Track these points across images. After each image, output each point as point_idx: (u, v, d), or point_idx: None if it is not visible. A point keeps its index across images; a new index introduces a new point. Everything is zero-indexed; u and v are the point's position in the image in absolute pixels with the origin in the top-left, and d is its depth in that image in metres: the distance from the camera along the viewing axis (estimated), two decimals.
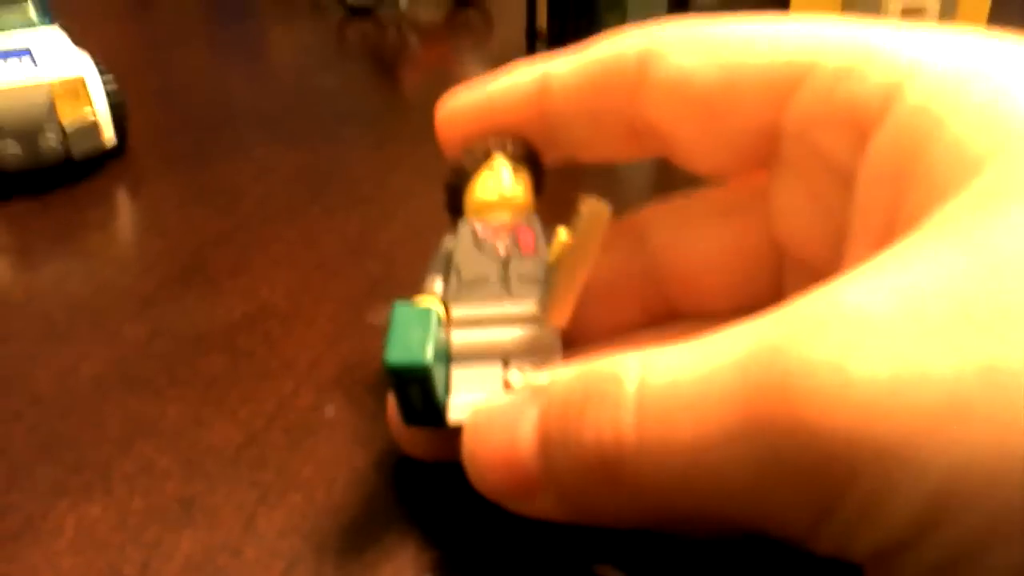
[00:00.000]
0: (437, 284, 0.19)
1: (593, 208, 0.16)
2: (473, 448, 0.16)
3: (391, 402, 0.18)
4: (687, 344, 0.14)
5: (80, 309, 0.26)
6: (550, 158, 0.20)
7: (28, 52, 0.35)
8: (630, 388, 0.14)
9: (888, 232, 0.14)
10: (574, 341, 0.19)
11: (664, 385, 0.13)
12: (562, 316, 0.18)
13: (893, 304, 0.12)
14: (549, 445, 0.15)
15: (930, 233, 0.13)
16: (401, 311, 0.17)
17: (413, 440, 0.19)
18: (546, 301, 0.18)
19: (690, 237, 0.20)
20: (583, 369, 0.15)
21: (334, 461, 0.20)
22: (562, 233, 0.17)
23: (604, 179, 0.32)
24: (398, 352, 0.16)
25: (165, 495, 0.19)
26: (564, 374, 0.15)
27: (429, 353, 0.16)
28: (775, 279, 0.19)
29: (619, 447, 0.13)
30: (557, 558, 0.17)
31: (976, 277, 0.11)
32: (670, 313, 0.20)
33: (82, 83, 0.34)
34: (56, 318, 0.26)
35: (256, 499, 0.19)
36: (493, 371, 0.18)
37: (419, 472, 0.19)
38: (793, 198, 0.18)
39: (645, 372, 0.14)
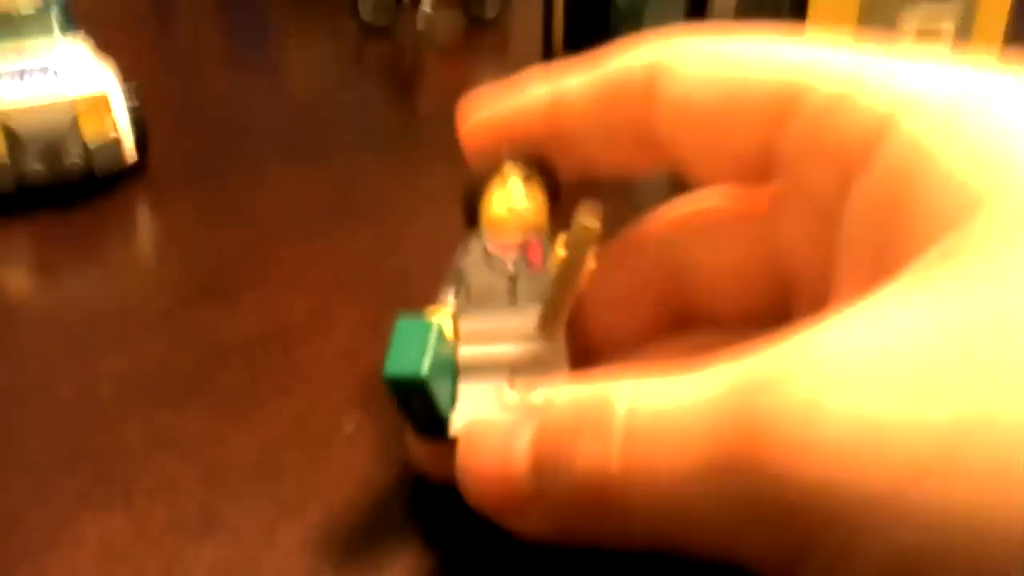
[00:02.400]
0: (449, 297, 0.19)
1: (583, 225, 0.16)
2: (466, 462, 0.16)
3: (409, 425, 0.19)
4: (678, 376, 0.14)
5: (101, 323, 0.27)
6: (565, 172, 0.20)
7: (51, 68, 0.35)
8: (619, 416, 0.14)
9: (877, 273, 0.14)
10: (594, 346, 0.19)
11: (650, 414, 0.14)
12: (552, 330, 0.18)
13: (869, 356, 0.12)
14: (542, 468, 0.15)
15: (911, 283, 0.12)
16: (403, 324, 0.17)
17: (429, 461, 0.19)
18: (539, 316, 0.18)
19: (708, 244, 0.20)
20: (578, 392, 0.15)
21: (353, 477, 0.20)
22: (560, 248, 0.17)
23: (621, 190, 0.32)
24: (396, 365, 0.17)
25: (186, 508, 0.19)
26: (559, 395, 0.15)
27: (426, 366, 0.16)
28: (788, 289, 0.19)
29: (606, 476, 0.14)
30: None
31: (956, 331, 0.11)
32: (691, 317, 0.20)
33: (105, 100, 0.34)
34: (77, 331, 0.26)
35: (275, 513, 0.19)
36: (499, 386, 0.18)
37: (438, 491, 0.19)
38: (789, 226, 0.18)
39: (635, 400, 0.14)
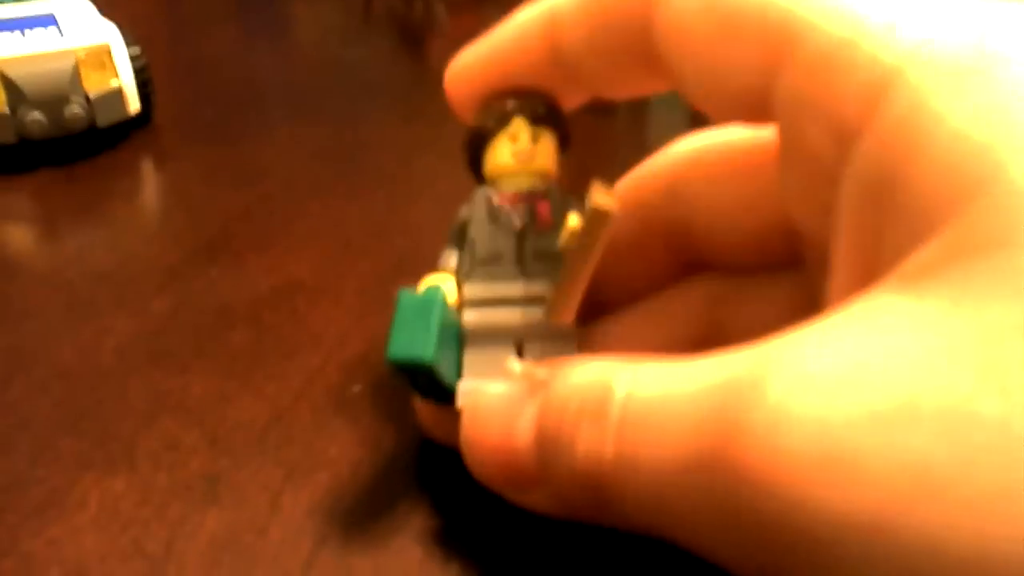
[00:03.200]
0: (452, 259, 0.18)
1: (600, 206, 0.15)
2: (470, 435, 0.16)
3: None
4: (674, 363, 0.13)
5: (104, 281, 0.26)
6: (571, 100, 0.19)
7: (53, 19, 0.34)
8: (617, 402, 0.13)
9: (871, 265, 0.13)
10: (601, 292, 0.18)
11: (643, 402, 0.13)
12: (566, 314, 0.17)
13: (846, 364, 0.11)
14: (545, 449, 0.15)
15: (902, 289, 0.12)
16: (406, 300, 0.16)
17: (438, 426, 0.19)
18: (550, 300, 0.17)
19: (717, 190, 0.19)
20: (582, 374, 0.15)
21: (361, 440, 0.20)
22: (572, 219, 0.16)
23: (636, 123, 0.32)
24: (400, 346, 0.16)
25: (190, 471, 0.19)
26: (564, 373, 0.15)
27: (431, 348, 0.16)
28: (799, 242, 0.18)
29: (601, 462, 0.13)
30: (578, 548, 0.17)
31: (943, 349, 0.11)
32: (701, 264, 0.19)
33: (107, 51, 0.34)
34: (80, 290, 0.26)
35: (282, 478, 0.19)
36: (506, 354, 0.17)
37: (446, 454, 0.19)
38: (789, 179, 0.16)
39: (632, 387, 0.13)
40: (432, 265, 0.18)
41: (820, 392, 0.11)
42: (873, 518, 0.10)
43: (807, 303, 0.18)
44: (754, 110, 0.16)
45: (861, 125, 0.13)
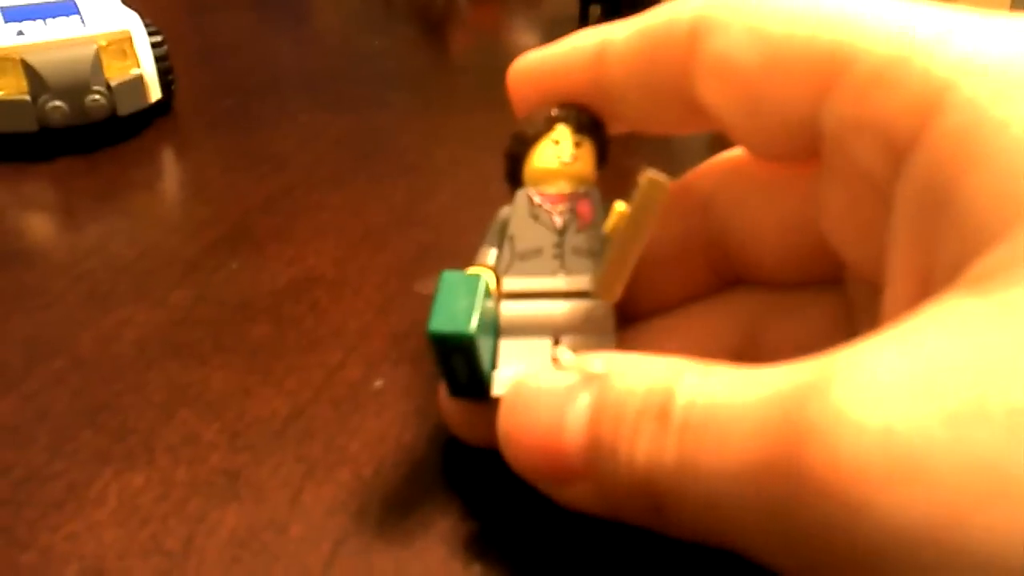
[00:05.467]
0: (491, 255, 0.18)
1: (653, 181, 0.15)
2: (512, 423, 0.15)
3: (442, 384, 0.18)
4: (738, 369, 0.13)
5: (124, 271, 0.26)
6: (613, 129, 0.19)
7: (75, 7, 0.34)
8: (679, 407, 0.13)
9: (927, 276, 0.13)
10: (636, 303, 0.18)
11: (707, 408, 0.13)
12: (614, 292, 0.17)
13: (912, 372, 0.11)
14: (599, 446, 0.14)
15: (960, 305, 0.11)
16: (449, 278, 0.16)
17: (464, 423, 0.18)
18: (599, 276, 0.17)
19: (754, 207, 0.19)
20: (642, 374, 0.14)
21: (383, 437, 0.19)
22: (619, 205, 0.16)
23: (663, 149, 0.31)
24: (442, 320, 0.16)
25: (210, 467, 0.18)
26: (621, 370, 0.15)
27: (474, 322, 0.16)
28: (837, 260, 0.18)
29: (661, 468, 0.13)
30: (605, 549, 0.16)
31: (1009, 353, 0.10)
32: (737, 278, 0.19)
33: (128, 38, 0.34)
34: (100, 280, 0.25)
35: (303, 474, 0.18)
36: (542, 346, 0.17)
37: (472, 452, 0.19)
38: (835, 202, 0.16)
39: (694, 393, 0.13)
40: (453, 257, 0.18)
41: (885, 395, 0.11)
42: (942, 523, 0.10)
43: (845, 319, 0.17)
44: (800, 142, 0.16)
45: (914, 138, 0.13)
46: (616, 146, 0.19)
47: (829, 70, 0.15)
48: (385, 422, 0.20)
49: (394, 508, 0.18)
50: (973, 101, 0.12)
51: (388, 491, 0.18)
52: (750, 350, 0.18)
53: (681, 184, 0.20)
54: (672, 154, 0.20)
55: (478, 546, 0.17)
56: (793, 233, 0.18)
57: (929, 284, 0.12)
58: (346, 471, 0.18)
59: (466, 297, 0.16)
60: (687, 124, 0.18)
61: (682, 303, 0.20)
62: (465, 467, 0.18)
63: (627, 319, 0.19)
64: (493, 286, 0.17)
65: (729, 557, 0.13)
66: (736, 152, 0.19)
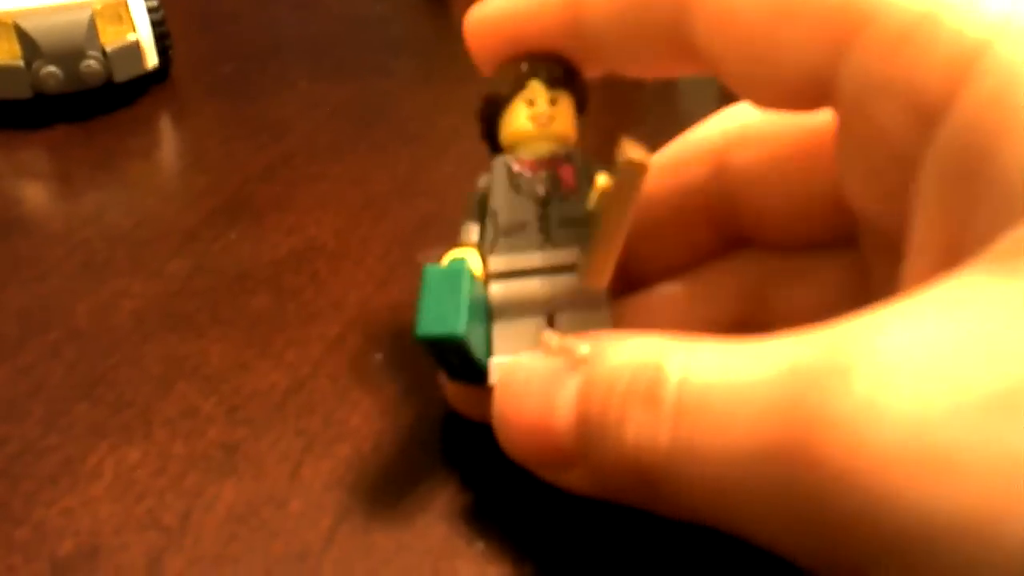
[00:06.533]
0: (474, 232, 0.17)
1: (632, 161, 0.14)
2: (505, 411, 0.15)
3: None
4: (734, 344, 0.13)
5: (120, 242, 0.25)
6: (588, 72, 0.18)
7: None
8: (671, 386, 0.13)
9: (953, 245, 0.12)
10: (638, 268, 0.18)
11: (703, 387, 0.13)
12: (602, 279, 0.16)
13: (939, 353, 0.10)
14: (588, 431, 0.14)
15: (987, 274, 0.11)
16: (431, 275, 0.16)
17: (465, 400, 0.18)
18: (584, 263, 0.16)
19: (769, 169, 0.18)
20: (629, 353, 0.14)
21: (383, 411, 0.19)
22: (601, 178, 0.15)
23: (667, 98, 0.30)
24: (429, 323, 0.15)
25: (207, 441, 0.18)
26: (607, 350, 0.14)
27: (462, 323, 0.15)
28: (851, 222, 0.17)
29: (654, 450, 0.13)
30: (607, 528, 0.16)
31: None
32: (743, 239, 0.19)
33: (124, 3, 0.33)
34: (96, 250, 0.25)
35: (302, 448, 0.18)
36: (537, 325, 0.17)
37: (472, 427, 0.18)
38: (853, 166, 0.15)
39: (688, 370, 0.13)
40: (456, 226, 0.17)
41: (911, 382, 0.10)
42: (976, 515, 0.09)
43: (859, 284, 0.17)
44: (810, 95, 0.15)
45: (946, 103, 0.12)
46: (602, 99, 0.18)
47: (847, 21, 0.14)
48: (385, 396, 0.19)
49: (395, 483, 0.17)
50: (1011, 64, 0.12)
51: (389, 466, 0.18)
52: (760, 315, 0.18)
53: (685, 142, 0.19)
54: (679, 118, 0.19)
55: (481, 523, 0.16)
56: (806, 193, 0.17)
57: (955, 254, 0.12)
58: (346, 446, 0.18)
59: (451, 294, 0.15)
60: (674, 68, 0.17)
61: (684, 267, 0.19)
62: (465, 442, 0.18)
63: (629, 283, 0.19)
64: (479, 269, 0.17)
65: (728, 537, 0.13)
66: (742, 112, 0.18)
